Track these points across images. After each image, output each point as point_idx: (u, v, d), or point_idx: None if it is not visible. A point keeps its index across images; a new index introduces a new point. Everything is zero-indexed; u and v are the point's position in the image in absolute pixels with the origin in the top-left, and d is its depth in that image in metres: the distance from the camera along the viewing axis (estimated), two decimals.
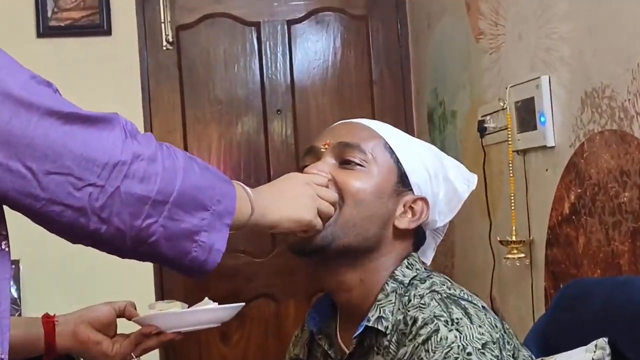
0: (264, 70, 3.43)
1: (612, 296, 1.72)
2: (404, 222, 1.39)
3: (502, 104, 2.46)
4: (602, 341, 1.68)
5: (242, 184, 1.23)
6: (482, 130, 2.63)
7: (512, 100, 2.42)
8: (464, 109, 2.94)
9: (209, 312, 1.39)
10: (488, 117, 2.63)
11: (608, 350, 1.67)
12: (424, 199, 1.39)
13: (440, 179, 1.42)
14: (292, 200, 1.28)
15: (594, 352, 1.69)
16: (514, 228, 2.40)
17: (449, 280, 1.38)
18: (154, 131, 3.33)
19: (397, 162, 1.39)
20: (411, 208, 1.39)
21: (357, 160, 1.37)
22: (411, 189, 1.40)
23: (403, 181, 1.39)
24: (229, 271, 3.22)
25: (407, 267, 1.38)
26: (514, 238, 2.39)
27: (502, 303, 2.62)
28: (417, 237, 1.43)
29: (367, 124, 1.44)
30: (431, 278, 1.37)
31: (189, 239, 1.11)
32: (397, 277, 1.37)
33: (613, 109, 1.98)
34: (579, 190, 2.16)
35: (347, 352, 1.38)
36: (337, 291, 1.40)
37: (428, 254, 1.53)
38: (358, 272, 1.38)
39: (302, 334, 1.53)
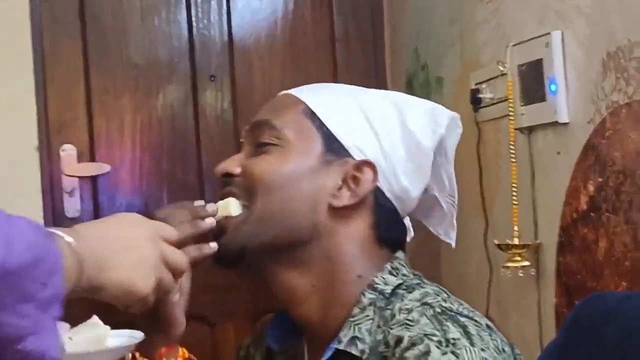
0: (194, 24, 3.41)
1: None
2: (343, 198, 1.38)
3: (501, 68, 2.46)
4: None
5: (60, 231, 1.11)
6: (475, 101, 2.63)
7: (514, 63, 2.43)
8: (453, 75, 2.93)
9: (84, 357, 1.35)
10: (484, 85, 2.63)
11: None
12: (368, 163, 1.39)
13: (396, 134, 1.41)
14: (130, 260, 1.18)
15: None
16: (516, 228, 2.40)
17: (445, 291, 1.39)
18: (49, 104, 3.29)
19: (322, 127, 1.39)
20: (354, 178, 1.38)
21: (267, 140, 1.40)
22: (349, 155, 1.39)
23: (333, 148, 1.39)
24: None
25: (390, 273, 1.39)
26: (516, 241, 2.40)
27: (501, 324, 2.62)
28: (376, 217, 1.41)
29: (290, 92, 1.46)
30: (422, 287, 1.37)
31: (10, 349, 0.98)
32: (376, 285, 1.37)
33: None
34: (600, 180, 2.17)
35: None
36: (290, 303, 1.41)
37: (449, 232, 1.53)
38: (305, 276, 1.38)
39: (255, 352, 1.53)
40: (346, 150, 1.40)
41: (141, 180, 3.36)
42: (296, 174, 1.38)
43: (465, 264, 2.88)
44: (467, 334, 1.27)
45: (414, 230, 1.58)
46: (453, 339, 1.25)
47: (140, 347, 1.37)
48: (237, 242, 1.37)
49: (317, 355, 1.38)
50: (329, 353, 1.34)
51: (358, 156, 1.39)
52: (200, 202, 1.39)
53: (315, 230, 1.39)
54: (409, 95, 1.53)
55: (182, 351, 1.41)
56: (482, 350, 1.25)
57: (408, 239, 1.50)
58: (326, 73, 3.42)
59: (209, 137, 3.40)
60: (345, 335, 1.34)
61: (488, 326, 1.33)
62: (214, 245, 1.36)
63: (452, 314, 1.31)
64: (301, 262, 1.38)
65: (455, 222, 1.54)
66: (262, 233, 1.37)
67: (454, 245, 1.53)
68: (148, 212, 3.36)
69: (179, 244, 1.31)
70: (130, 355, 1.38)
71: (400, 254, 1.43)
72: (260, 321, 1.59)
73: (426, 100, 1.51)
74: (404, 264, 1.42)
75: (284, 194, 1.38)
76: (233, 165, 1.41)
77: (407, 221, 1.48)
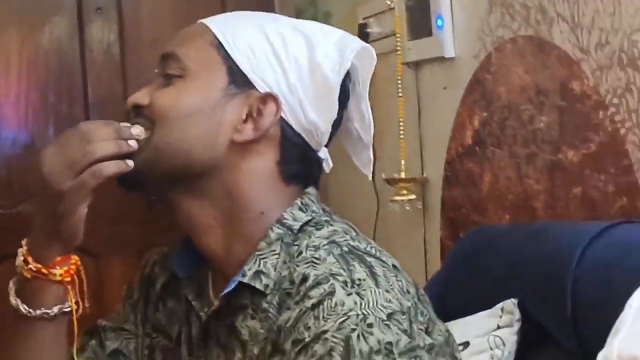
0: None
1: (524, 248, 1.75)
2: (245, 132, 1.36)
3: (388, 2, 2.46)
4: (510, 304, 1.71)
5: None
6: (363, 36, 2.62)
7: None
8: (342, 10, 2.92)
9: None
10: (371, 20, 2.62)
11: (517, 315, 1.70)
12: (271, 96, 1.37)
13: (304, 67, 1.38)
14: None
15: (500, 316, 1.72)
16: (403, 163, 2.41)
17: (354, 229, 1.37)
18: None
19: (228, 59, 1.37)
20: (259, 112, 1.36)
21: (172, 72, 1.37)
22: (254, 88, 1.37)
23: (237, 81, 1.37)
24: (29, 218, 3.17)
25: (299, 209, 1.37)
26: (403, 175, 2.41)
27: None
28: (282, 152, 1.40)
29: (203, 21, 1.43)
30: (331, 225, 1.35)
31: None
32: (284, 221, 1.35)
33: (528, 10, 2.00)
34: (485, 114, 2.19)
35: (214, 308, 1.37)
36: (193, 233, 1.39)
37: (367, 164, 1.51)
38: (206, 208, 1.36)
39: (159, 273, 1.51)
40: (251, 84, 1.37)
41: (27, 115, 3.30)
42: (196, 106, 1.35)
43: (354, 199, 2.89)
44: (373, 274, 1.25)
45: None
46: (359, 279, 1.23)
47: (35, 253, 1.36)
48: (136, 168, 1.35)
49: (221, 287, 1.36)
50: (232, 285, 1.32)
51: (262, 89, 1.36)
52: (127, 124, 1.37)
53: (214, 164, 1.36)
54: (321, 26, 1.49)
55: (75, 259, 1.40)
56: (387, 291, 1.24)
57: (327, 170, 1.48)
58: (215, 5, 3.36)
59: (95, 73, 3.33)
60: (250, 268, 1.32)
61: (395, 266, 1.32)
62: (130, 162, 1.34)
63: (360, 253, 1.29)
64: (201, 194, 1.36)
65: (372, 155, 1.52)
66: (159, 163, 1.34)
67: (370, 177, 1.52)
68: (34, 147, 3.33)
69: (100, 159, 1.31)
70: (22, 258, 1.37)
71: (311, 190, 1.41)
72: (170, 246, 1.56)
73: (338, 31, 1.47)
74: (315, 200, 1.40)
75: (182, 127, 1.35)
76: (142, 96, 1.38)
77: (323, 154, 1.45)
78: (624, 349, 0.96)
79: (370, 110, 1.47)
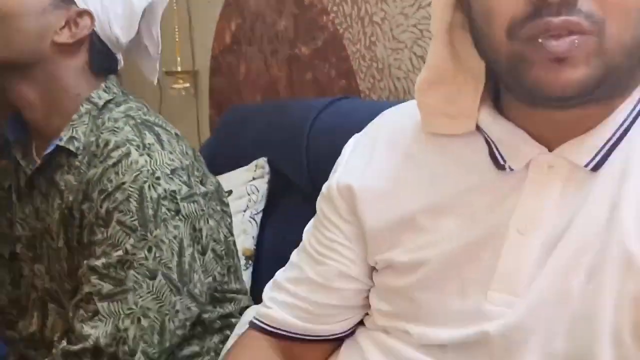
0: None
1: (271, 119, 1.79)
2: (63, 36, 1.35)
3: None
4: (262, 161, 1.76)
5: None
6: None
7: None
8: None
9: None
10: None
11: (267, 169, 1.76)
12: (87, 13, 1.36)
13: None
14: None
15: (255, 170, 1.77)
16: (178, 59, 2.40)
17: (146, 106, 1.39)
18: None
19: None
20: (76, 23, 1.35)
21: None
22: (75, 4, 1.36)
23: None
24: None
25: (103, 91, 1.37)
26: (179, 69, 2.40)
27: None
28: (92, 54, 1.39)
29: None
30: (127, 103, 1.36)
31: None
32: (92, 99, 1.35)
33: None
34: (240, 21, 2.19)
35: (37, 165, 1.36)
36: (22, 108, 1.38)
37: (152, 72, 1.51)
38: (34, 89, 1.35)
39: None
40: (74, 2, 1.35)
41: None
42: (26, 8, 1.32)
43: (142, 87, 2.85)
44: (159, 140, 1.28)
45: None
46: (149, 144, 1.26)
47: None
48: None
49: (43, 150, 1.36)
50: (51, 147, 1.33)
51: (82, 6, 1.35)
52: None
53: (40, 58, 1.34)
54: None
55: None
56: (170, 153, 1.27)
57: (119, 67, 1.48)
58: None
59: None
60: (65, 135, 1.32)
61: (177, 135, 1.34)
62: None
63: (150, 124, 1.31)
64: (30, 80, 1.34)
65: (157, 66, 1.52)
66: None
67: (155, 82, 1.53)
68: None
69: None
70: None
71: (112, 77, 1.41)
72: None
73: None
74: (115, 84, 1.40)
75: (14, 23, 1.32)
76: None
77: (120, 56, 1.46)
78: (341, 180, 0.99)
79: (159, 33, 1.48)
